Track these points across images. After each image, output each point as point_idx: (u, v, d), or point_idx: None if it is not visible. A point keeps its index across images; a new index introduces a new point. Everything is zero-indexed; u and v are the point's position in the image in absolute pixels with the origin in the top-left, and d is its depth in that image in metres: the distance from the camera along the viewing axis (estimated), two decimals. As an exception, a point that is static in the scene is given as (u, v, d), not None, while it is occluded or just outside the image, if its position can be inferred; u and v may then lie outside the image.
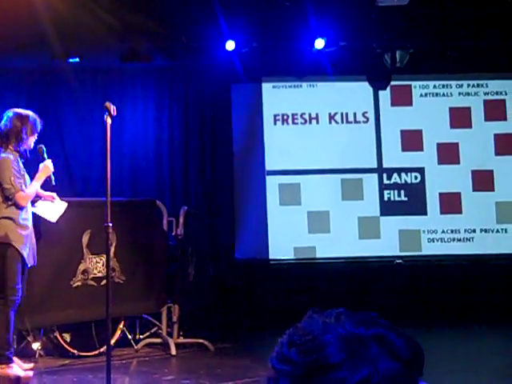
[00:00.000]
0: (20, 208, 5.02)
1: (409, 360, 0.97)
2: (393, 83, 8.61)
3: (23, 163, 5.22)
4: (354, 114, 8.63)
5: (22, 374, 5.00)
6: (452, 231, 8.41)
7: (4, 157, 5.03)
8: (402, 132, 8.61)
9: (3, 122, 5.13)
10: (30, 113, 5.19)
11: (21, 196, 5.00)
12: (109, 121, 4.55)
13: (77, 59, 7.75)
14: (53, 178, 5.26)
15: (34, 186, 5.14)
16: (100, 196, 5.68)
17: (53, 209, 5.35)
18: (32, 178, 5.21)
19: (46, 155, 5.29)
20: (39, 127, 5.20)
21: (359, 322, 0.99)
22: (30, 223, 5.13)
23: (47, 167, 5.22)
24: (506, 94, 8.67)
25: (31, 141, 5.17)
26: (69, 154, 8.17)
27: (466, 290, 8.12)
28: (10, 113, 5.13)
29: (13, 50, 7.46)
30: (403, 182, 8.54)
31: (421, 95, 8.69)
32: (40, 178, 5.19)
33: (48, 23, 6.68)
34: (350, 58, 8.26)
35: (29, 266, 5.10)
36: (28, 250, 5.05)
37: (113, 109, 4.55)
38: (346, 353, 0.94)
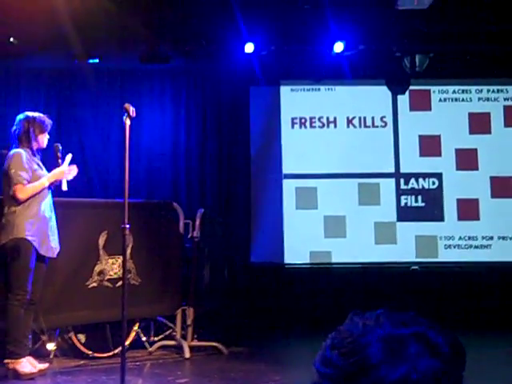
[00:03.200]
0: (18, 201, 5.03)
1: (449, 356, 0.98)
2: (412, 88, 8.55)
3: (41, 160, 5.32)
4: (372, 119, 8.58)
5: (31, 370, 5.03)
6: (469, 238, 8.34)
7: (15, 151, 5.16)
8: (421, 137, 8.55)
9: (15, 125, 5.27)
10: (37, 114, 5.33)
11: (19, 188, 5.03)
12: (128, 122, 4.56)
13: (96, 60, 7.78)
14: (65, 182, 5.28)
15: (41, 184, 5.15)
16: (117, 197, 5.70)
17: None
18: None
19: (60, 154, 5.34)
20: (48, 126, 5.32)
21: (398, 322, 1.01)
22: (46, 214, 5.14)
23: (62, 173, 5.27)
24: (526, 99, 8.60)
25: (42, 139, 5.27)
26: (87, 155, 8.20)
27: (483, 297, 8.04)
28: (20, 116, 5.29)
29: (33, 51, 7.51)
30: (420, 187, 8.48)
31: (440, 100, 8.63)
32: (50, 178, 5.22)
33: (68, 24, 6.72)
34: (368, 61, 8.22)
35: (46, 257, 5.14)
36: (42, 242, 5.08)
37: (132, 110, 4.56)
38: (385, 353, 0.96)
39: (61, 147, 5.38)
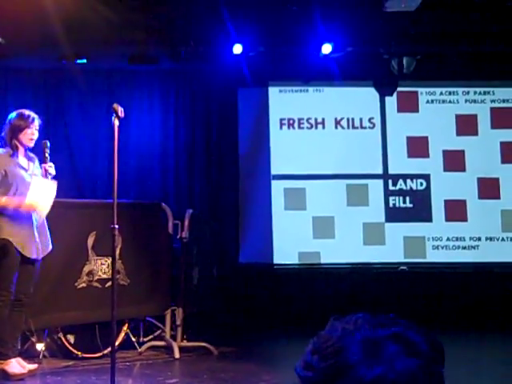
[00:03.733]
0: None
1: (428, 355, 0.99)
2: (399, 89, 8.60)
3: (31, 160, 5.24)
4: (360, 120, 8.62)
5: (20, 371, 4.99)
6: (457, 239, 8.39)
7: None
8: (408, 138, 8.59)
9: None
10: (16, 112, 5.20)
11: None
12: (116, 122, 4.55)
13: (84, 60, 7.76)
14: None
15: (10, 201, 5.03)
16: (106, 198, 5.70)
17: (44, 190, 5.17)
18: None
19: (47, 150, 5.18)
20: (30, 122, 5.13)
21: (376, 324, 1.02)
22: (31, 215, 5.05)
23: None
24: (512, 101, 8.67)
25: (23, 137, 5.11)
26: (75, 155, 8.18)
27: (471, 297, 8.09)
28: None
29: (21, 51, 7.48)
30: (408, 188, 8.52)
31: (427, 102, 8.68)
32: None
33: (56, 24, 6.69)
34: (356, 63, 8.26)
35: (32, 258, 5.05)
36: (25, 243, 5.00)
37: (120, 111, 4.55)
38: (363, 354, 0.97)
39: (49, 144, 5.23)
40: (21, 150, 5.16)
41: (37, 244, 5.09)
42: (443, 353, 1.03)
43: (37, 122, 5.22)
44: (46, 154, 5.20)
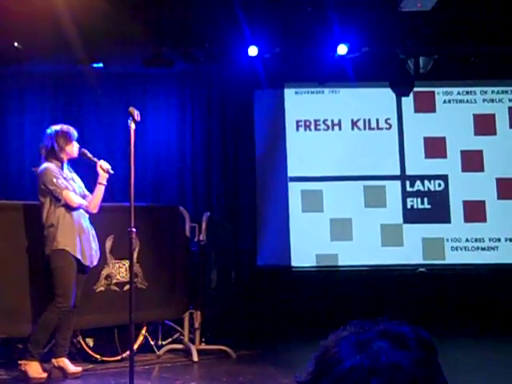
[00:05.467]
0: (70, 208, 5.15)
1: (417, 350, 1.00)
2: (416, 89, 8.55)
3: (76, 171, 5.44)
4: (377, 121, 8.58)
5: (40, 375, 5.06)
6: (476, 240, 8.32)
7: (45, 166, 5.22)
8: (425, 139, 8.54)
9: (42, 141, 5.34)
10: (60, 126, 5.35)
11: (67, 194, 5.13)
12: (132, 126, 4.56)
13: (100, 64, 7.79)
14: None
15: (83, 201, 5.29)
16: (123, 201, 5.70)
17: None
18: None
19: (90, 154, 5.38)
20: (74, 135, 5.34)
21: (366, 326, 1.06)
22: (84, 224, 5.25)
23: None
24: (531, 100, 8.59)
25: (70, 150, 5.30)
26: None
27: (490, 299, 8.01)
28: (48, 130, 5.34)
29: (37, 55, 7.52)
30: (426, 189, 8.47)
31: (444, 102, 8.62)
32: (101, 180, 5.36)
33: (72, 29, 6.73)
34: (372, 63, 8.22)
35: (89, 266, 5.26)
36: (83, 251, 5.18)
37: (137, 114, 4.56)
38: (351, 351, 1.00)
39: (86, 150, 5.40)
40: (65, 163, 5.33)
41: (91, 251, 5.29)
42: (434, 348, 1.04)
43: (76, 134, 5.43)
44: (90, 156, 5.37)
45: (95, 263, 5.36)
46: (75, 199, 5.18)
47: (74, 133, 5.35)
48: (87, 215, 5.35)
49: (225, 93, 8.62)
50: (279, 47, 7.95)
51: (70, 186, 5.21)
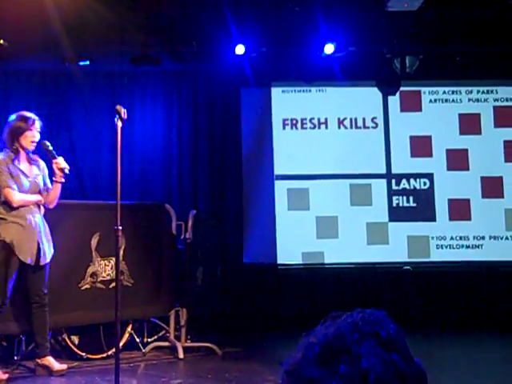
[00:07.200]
0: (10, 207, 5.01)
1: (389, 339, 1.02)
2: (402, 89, 8.59)
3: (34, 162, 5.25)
4: (363, 120, 8.62)
5: (56, 368, 5.17)
6: (461, 238, 8.38)
7: None
8: (411, 138, 8.59)
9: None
10: (16, 115, 5.17)
11: (8, 193, 5.00)
12: (119, 124, 4.55)
13: (87, 62, 7.77)
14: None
15: (29, 198, 5.12)
16: (109, 199, 5.71)
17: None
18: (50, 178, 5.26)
19: (50, 148, 5.19)
20: (31, 125, 5.12)
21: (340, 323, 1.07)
22: (33, 220, 5.10)
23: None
24: (515, 100, 8.65)
25: (23, 140, 5.11)
26: (78, 157, 8.19)
27: (475, 296, 8.09)
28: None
29: (24, 53, 7.49)
30: (412, 187, 8.52)
31: (430, 101, 8.67)
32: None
33: (58, 26, 6.71)
34: (359, 63, 8.25)
35: (30, 263, 5.08)
36: (26, 248, 5.03)
37: (123, 112, 4.54)
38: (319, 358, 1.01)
39: (48, 143, 5.21)
40: (22, 153, 5.16)
41: (38, 250, 5.11)
42: (403, 339, 1.05)
43: (38, 124, 5.19)
44: (51, 150, 5.18)
45: (43, 263, 5.14)
46: (16, 198, 5.00)
47: (34, 123, 5.13)
48: (40, 210, 5.18)
49: (212, 91, 8.63)
50: (266, 46, 7.97)
51: (16, 182, 5.04)
